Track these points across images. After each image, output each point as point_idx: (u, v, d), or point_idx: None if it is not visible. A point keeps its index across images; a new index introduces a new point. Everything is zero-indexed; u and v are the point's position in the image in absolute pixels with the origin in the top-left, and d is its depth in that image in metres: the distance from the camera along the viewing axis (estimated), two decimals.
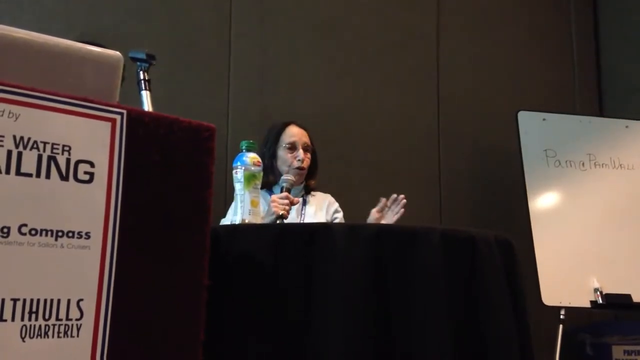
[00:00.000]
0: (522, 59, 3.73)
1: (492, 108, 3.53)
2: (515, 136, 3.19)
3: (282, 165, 2.39)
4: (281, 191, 2.13)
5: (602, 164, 3.26)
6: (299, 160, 2.37)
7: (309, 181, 2.47)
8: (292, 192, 2.32)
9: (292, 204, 2.09)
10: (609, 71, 3.89)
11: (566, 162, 3.23)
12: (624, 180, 3.23)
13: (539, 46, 3.80)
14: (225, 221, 2.27)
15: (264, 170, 2.36)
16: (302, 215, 2.38)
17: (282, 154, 2.40)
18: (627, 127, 3.34)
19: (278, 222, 2.00)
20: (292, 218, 2.36)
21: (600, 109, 3.89)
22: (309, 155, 2.44)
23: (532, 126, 3.23)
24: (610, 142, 3.29)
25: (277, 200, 2.05)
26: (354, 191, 2.52)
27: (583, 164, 3.25)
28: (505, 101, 3.50)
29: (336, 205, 2.52)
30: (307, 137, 2.46)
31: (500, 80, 3.63)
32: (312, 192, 2.50)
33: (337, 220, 2.45)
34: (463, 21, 3.61)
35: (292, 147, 2.40)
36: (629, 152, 3.29)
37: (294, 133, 2.43)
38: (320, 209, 2.45)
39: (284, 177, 2.20)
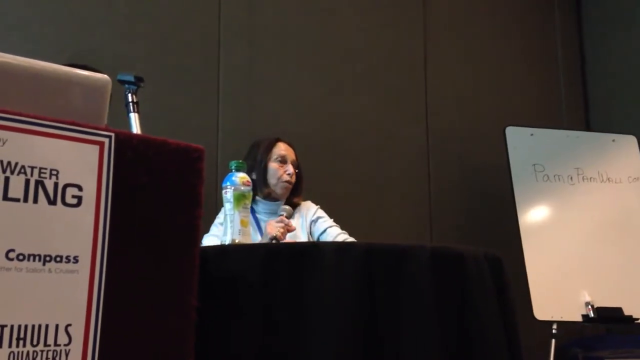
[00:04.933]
0: (509, 76, 3.77)
1: (480, 124, 3.56)
2: (503, 151, 3.21)
3: (271, 178, 2.43)
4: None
5: (590, 178, 3.28)
6: (288, 174, 2.43)
7: (293, 199, 2.49)
8: (270, 209, 2.37)
9: (288, 230, 2.12)
10: (595, 86, 3.94)
11: (554, 176, 3.26)
12: (611, 194, 3.25)
13: (525, 62, 3.85)
14: (208, 236, 2.28)
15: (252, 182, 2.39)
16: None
17: (273, 166, 2.44)
18: (613, 141, 3.38)
19: (273, 242, 2.02)
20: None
21: (587, 124, 3.93)
22: (295, 172, 2.49)
23: (520, 141, 3.26)
24: (598, 156, 3.32)
25: (272, 224, 2.11)
26: (344, 209, 2.52)
27: (571, 178, 3.27)
28: (493, 117, 3.53)
29: (313, 210, 2.51)
30: (294, 154, 2.53)
31: (488, 97, 3.67)
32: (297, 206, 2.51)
33: (321, 224, 2.45)
34: (450, 39, 3.65)
35: (283, 161, 2.46)
36: (616, 166, 3.32)
37: (283, 148, 2.50)
38: (301, 224, 2.46)
39: (281, 207, 2.24)
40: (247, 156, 2.52)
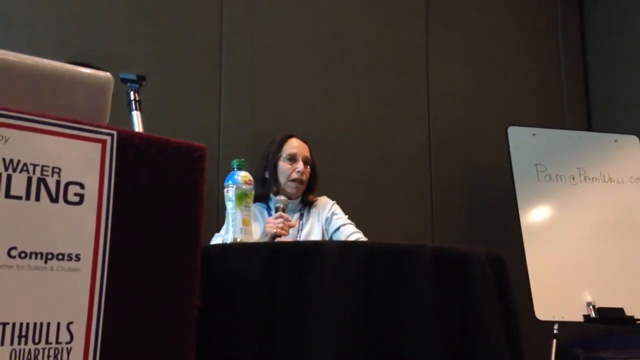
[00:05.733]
0: (511, 76, 3.77)
1: (482, 124, 3.56)
2: (505, 151, 3.21)
3: (281, 177, 2.41)
4: (276, 211, 2.15)
5: (592, 178, 3.28)
6: (298, 171, 2.40)
7: (308, 196, 2.46)
8: (289, 205, 2.33)
9: (289, 225, 2.10)
10: (597, 86, 3.93)
11: (556, 176, 3.26)
12: (614, 194, 3.25)
13: (528, 62, 3.84)
14: (217, 237, 2.28)
15: (265, 181, 2.39)
16: (299, 232, 2.37)
17: (282, 165, 2.42)
18: (616, 141, 3.37)
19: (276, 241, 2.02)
20: (290, 234, 2.36)
21: (589, 124, 3.92)
22: (308, 169, 2.45)
23: (522, 141, 3.25)
24: (600, 157, 3.32)
25: (271, 221, 2.07)
26: (345, 208, 2.51)
27: (573, 178, 3.27)
28: (495, 117, 3.53)
29: (329, 206, 2.47)
30: (308, 151, 2.49)
31: (490, 96, 3.66)
32: (313, 203, 2.47)
33: (335, 221, 2.41)
34: (452, 39, 3.65)
35: (292, 159, 2.43)
36: (618, 166, 3.31)
37: (295, 145, 2.46)
38: (317, 221, 2.43)
39: (276, 198, 2.21)
40: (263, 153, 2.50)
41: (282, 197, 2.21)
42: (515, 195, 3.12)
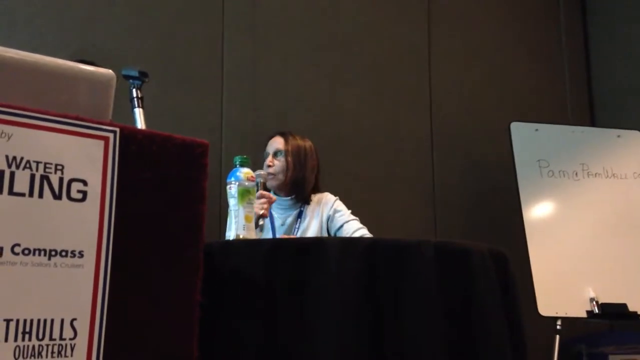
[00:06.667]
0: (514, 71, 3.76)
1: (484, 120, 3.55)
2: (508, 147, 3.20)
3: None
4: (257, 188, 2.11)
5: (595, 174, 3.27)
6: (267, 166, 2.40)
7: (293, 194, 2.40)
8: (282, 205, 2.34)
9: (269, 202, 2.08)
10: (600, 82, 3.92)
11: (559, 172, 3.25)
12: (617, 190, 3.24)
13: (530, 58, 3.83)
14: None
15: None
16: (295, 231, 2.36)
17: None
18: (618, 136, 3.37)
19: (260, 222, 2.00)
20: (286, 232, 2.35)
21: (592, 119, 3.91)
22: (280, 159, 2.40)
23: (525, 137, 3.25)
24: (603, 152, 3.31)
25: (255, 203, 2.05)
26: (348, 205, 2.51)
27: (576, 173, 3.26)
28: (498, 113, 3.52)
29: (331, 203, 2.41)
30: (282, 143, 2.43)
31: (493, 92, 3.66)
32: (311, 198, 2.42)
33: (338, 219, 2.36)
34: (454, 34, 3.64)
35: (266, 157, 2.44)
36: (621, 161, 3.31)
37: (269, 143, 2.47)
38: (315, 218, 2.39)
39: (256, 172, 2.10)
40: None
41: (262, 172, 2.16)
42: (518, 191, 3.12)
